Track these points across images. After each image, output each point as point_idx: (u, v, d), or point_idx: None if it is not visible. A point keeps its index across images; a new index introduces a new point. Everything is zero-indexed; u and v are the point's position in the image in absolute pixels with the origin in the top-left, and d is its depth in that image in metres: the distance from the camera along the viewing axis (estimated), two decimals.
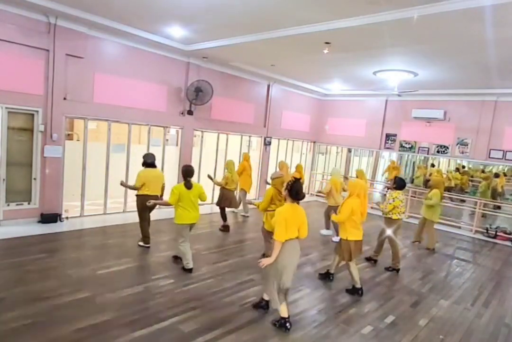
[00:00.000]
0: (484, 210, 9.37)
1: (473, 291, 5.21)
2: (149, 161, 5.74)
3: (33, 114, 6.31)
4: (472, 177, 12.50)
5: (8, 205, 6.24)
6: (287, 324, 3.64)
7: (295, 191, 3.56)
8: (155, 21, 6.18)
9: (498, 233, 8.43)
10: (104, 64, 7.00)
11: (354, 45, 6.26)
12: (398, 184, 5.73)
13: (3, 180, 6.12)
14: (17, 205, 6.34)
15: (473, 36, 5.26)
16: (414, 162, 13.81)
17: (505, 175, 11.58)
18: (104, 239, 6.07)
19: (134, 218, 7.19)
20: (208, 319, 3.73)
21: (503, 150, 9.27)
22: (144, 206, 5.47)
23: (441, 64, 7.22)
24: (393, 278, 5.43)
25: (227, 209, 7.42)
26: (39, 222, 6.50)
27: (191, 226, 5.01)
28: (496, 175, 11.20)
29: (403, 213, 5.79)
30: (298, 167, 8.59)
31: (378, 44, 6.04)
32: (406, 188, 6.74)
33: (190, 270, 4.88)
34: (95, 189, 7.39)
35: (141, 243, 5.78)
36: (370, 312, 4.25)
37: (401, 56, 6.87)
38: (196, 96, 8.23)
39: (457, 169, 12.51)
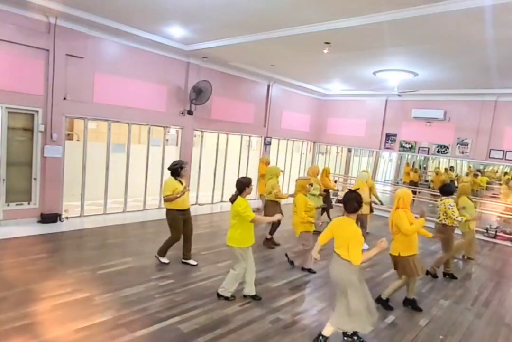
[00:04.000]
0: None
1: (473, 291, 5.21)
2: (169, 169, 5.10)
3: (33, 114, 6.31)
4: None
5: (8, 205, 6.24)
6: None
7: (346, 202, 3.36)
8: (155, 21, 6.18)
9: (498, 233, 8.42)
10: (104, 64, 7.00)
11: (354, 45, 6.26)
12: (441, 189, 5.59)
13: (3, 180, 6.12)
14: (17, 205, 6.34)
15: (473, 36, 5.26)
16: (414, 163, 13.81)
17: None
18: (104, 239, 6.06)
19: (134, 218, 7.22)
20: (208, 319, 3.73)
21: (503, 150, 9.27)
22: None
23: (441, 64, 7.21)
24: (393, 278, 5.41)
25: None
26: (39, 222, 6.50)
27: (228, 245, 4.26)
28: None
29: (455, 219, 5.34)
30: (324, 171, 8.15)
31: (378, 44, 6.04)
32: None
33: (218, 295, 4.26)
34: (95, 189, 7.39)
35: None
36: None
37: (401, 56, 6.87)
38: (197, 96, 8.24)
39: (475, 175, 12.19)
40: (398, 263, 4.26)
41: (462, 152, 9.99)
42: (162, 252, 5.22)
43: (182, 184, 5.04)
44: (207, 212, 8.72)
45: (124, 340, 3.25)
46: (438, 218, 5.54)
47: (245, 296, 4.32)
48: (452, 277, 5.60)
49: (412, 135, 10.89)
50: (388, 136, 11.38)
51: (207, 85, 8.16)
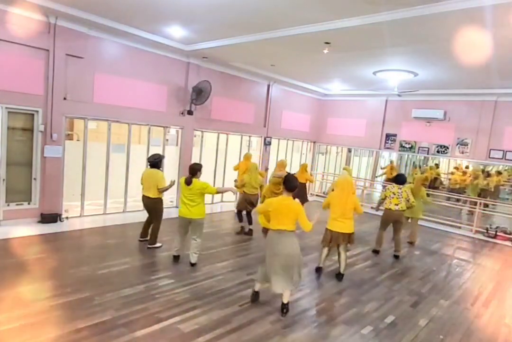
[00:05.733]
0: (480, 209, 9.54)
1: (473, 291, 5.21)
2: (149, 161, 5.71)
3: (33, 114, 6.31)
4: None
5: (8, 205, 6.24)
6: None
7: (287, 181, 3.94)
8: (155, 21, 6.18)
9: (498, 233, 8.43)
10: (104, 64, 7.00)
11: (354, 45, 6.26)
12: (395, 178, 6.55)
13: (3, 180, 6.12)
14: (17, 205, 6.34)
15: (473, 36, 5.26)
16: (414, 162, 13.83)
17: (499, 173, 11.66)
18: (104, 239, 6.06)
19: (134, 218, 7.22)
20: (208, 319, 3.73)
21: (503, 150, 9.27)
22: (143, 204, 5.82)
23: (441, 64, 7.21)
24: (393, 278, 5.43)
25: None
26: (39, 222, 6.50)
27: (185, 220, 5.05)
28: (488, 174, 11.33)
29: (396, 204, 6.18)
30: (302, 166, 9.05)
31: (378, 44, 6.04)
32: None
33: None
34: (95, 189, 7.39)
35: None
36: (370, 312, 4.24)
37: (401, 56, 6.87)
38: (197, 96, 8.25)
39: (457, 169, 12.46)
40: (351, 238, 5.02)
41: (462, 152, 10.00)
42: (154, 239, 5.75)
43: None
44: (207, 212, 8.67)
45: (124, 340, 3.24)
46: (397, 204, 6.18)
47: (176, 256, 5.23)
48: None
49: (412, 135, 10.90)
50: (388, 136, 11.38)
51: (206, 85, 8.17)
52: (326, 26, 5.44)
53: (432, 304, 4.62)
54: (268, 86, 10.70)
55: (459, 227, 9.10)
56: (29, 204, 6.47)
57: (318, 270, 5.31)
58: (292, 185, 3.90)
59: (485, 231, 8.61)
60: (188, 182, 4.91)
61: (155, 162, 5.58)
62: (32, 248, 5.31)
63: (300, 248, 3.96)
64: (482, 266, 6.46)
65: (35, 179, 6.46)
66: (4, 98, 5.89)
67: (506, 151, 9.22)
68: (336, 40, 6.02)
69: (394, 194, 6.20)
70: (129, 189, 7.79)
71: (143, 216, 6.46)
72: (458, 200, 10.58)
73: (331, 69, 8.79)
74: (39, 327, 3.34)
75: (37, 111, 6.30)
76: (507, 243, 8.13)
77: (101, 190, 7.44)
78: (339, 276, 5.13)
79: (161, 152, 8.26)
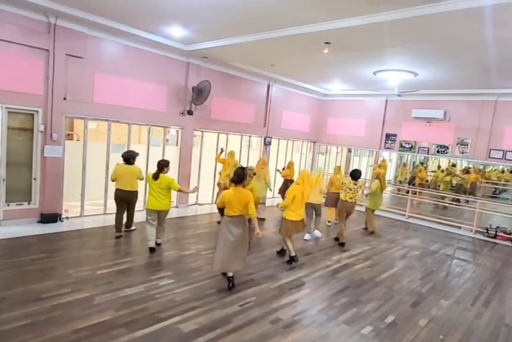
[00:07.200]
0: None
1: (473, 291, 5.21)
2: (123, 157, 6.06)
3: (33, 114, 6.31)
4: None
5: (8, 205, 6.24)
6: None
7: (233, 175, 4.50)
8: (155, 21, 6.18)
9: (498, 233, 8.42)
10: (104, 64, 7.00)
11: (354, 45, 6.26)
12: (350, 174, 7.09)
13: (3, 180, 6.12)
14: (17, 205, 6.34)
15: (473, 36, 5.26)
16: (414, 162, 13.83)
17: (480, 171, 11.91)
18: (104, 239, 6.06)
19: (134, 218, 7.22)
20: (208, 319, 3.73)
21: (503, 150, 9.27)
22: (116, 198, 6.09)
23: (441, 64, 7.22)
24: (393, 278, 5.43)
25: None
26: (39, 222, 6.50)
27: (155, 212, 5.50)
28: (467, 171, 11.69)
29: (350, 198, 6.80)
30: (290, 164, 9.27)
31: (378, 44, 6.04)
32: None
33: (151, 249, 5.48)
34: (95, 189, 7.39)
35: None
36: (370, 312, 4.24)
37: (401, 56, 6.87)
38: (197, 96, 8.25)
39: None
40: (301, 225, 5.59)
41: (462, 152, 10.00)
42: (131, 223, 6.42)
43: None
44: (207, 212, 8.72)
45: (124, 340, 3.25)
46: (351, 198, 6.79)
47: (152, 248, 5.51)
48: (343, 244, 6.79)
49: (412, 135, 10.90)
50: (388, 136, 11.38)
51: (206, 85, 8.17)
52: (326, 26, 5.43)
53: (432, 304, 4.62)
54: (268, 86, 10.70)
55: (459, 227, 9.10)
56: (29, 203, 6.47)
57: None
58: (234, 178, 4.42)
59: (485, 231, 8.61)
60: (155, 177, 5.34)
61: (128, 158, 5.97)
62: (32, 248, 5.31)
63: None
64: (482, 266, 6.45)
65: (35, 178, 6.46)
66: (4, 98, 5.89)
67: (506, 151, 9.22)
68: (336, 40, 6.02)
69: (350, 190, 6.76)
70: None
71: (143, 216, 6.46)
72: (443, 197, 10.82)
73: (331, 69, 8.80)
74: (39, 327, 3.34)
75: (37, 111, 6.30)
76: (507, 243, 8.13)
77: (101, 190, 7.44)
78: (293, 258, 5.57)
79: (161, 153, 8.28)
